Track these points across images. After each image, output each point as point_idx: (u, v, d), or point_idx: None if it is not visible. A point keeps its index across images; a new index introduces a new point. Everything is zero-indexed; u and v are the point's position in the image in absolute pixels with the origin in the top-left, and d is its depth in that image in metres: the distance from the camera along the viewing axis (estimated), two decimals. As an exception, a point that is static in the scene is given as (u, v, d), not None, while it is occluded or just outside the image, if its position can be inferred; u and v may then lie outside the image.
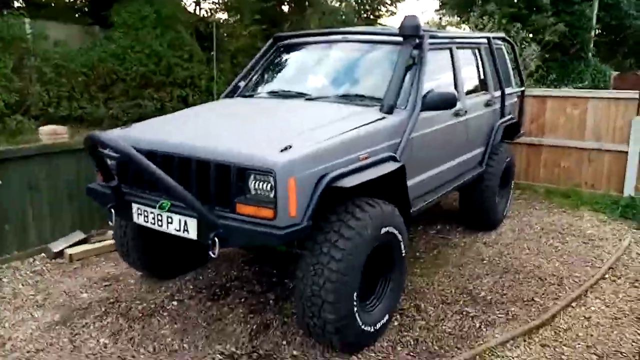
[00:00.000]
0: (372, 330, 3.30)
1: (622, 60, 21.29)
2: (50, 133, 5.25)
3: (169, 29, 11.30)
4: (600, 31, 18.57)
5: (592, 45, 17.01)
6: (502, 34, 6.85)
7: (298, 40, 4.84)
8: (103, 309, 3.84)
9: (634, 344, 3.45)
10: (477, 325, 3.67)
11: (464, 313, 3.83)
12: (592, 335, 3.55)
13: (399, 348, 3.38)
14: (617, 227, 5.74)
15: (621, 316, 3.81)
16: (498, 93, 5.48)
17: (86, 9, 14.18)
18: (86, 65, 10.05)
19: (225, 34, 13.11)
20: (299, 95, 4.20)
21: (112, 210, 3.45)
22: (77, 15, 14.13)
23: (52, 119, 9.49)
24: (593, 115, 6.68)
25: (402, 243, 3.47)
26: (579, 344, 3.46)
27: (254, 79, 4.77)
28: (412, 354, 3.33)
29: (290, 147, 2.91)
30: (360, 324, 3.16)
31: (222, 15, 14.59)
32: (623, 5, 17.56)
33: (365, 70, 4.36)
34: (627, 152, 6.44)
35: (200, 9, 14.00)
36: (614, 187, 6.63)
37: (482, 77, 5.35)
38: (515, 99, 6.28)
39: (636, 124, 6.33)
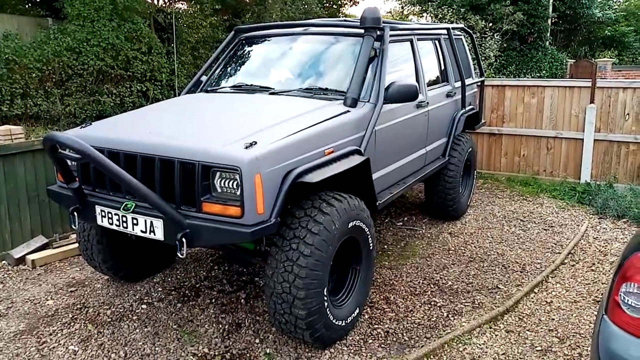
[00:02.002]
0: (344, 324, 3.34)
1: (577, 48, 21.95)
2: (5, 133, 5.05)
3: (126, 21, 10.97)
4: (556, 20, 19.05)
5: (548, 33, 17.44)
6: (461, 25, 6.96)
7: (260, 33, 4.79)
8: (70, 316, 3.75)
9: (591, 325, 3.59)
10: (445, 314, 3.76)
11: (432, 303, 3.91)
12: (553, 319, 3.69)
13: (370, 341, 3.43)
14: (575, 212, 5.95)
15: (580, 299, 3.97)
16: (458, 84, 5.57)
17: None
18: (40, 60, 9.64)
19: (185, 25, 12.82)
20: (263, 89, 4.17)
21: (75, 213, 3.35)
22: (27, 6, 13.56)
23: (6, 117, 9.14)
24: (550, 103, 6.88)
25: (369, 236, 3.51)
26: (541, 328, 3.58)
27: (216, 73, 4.70)
28: (383, 345, 3.38)
29: (255, 143, 2.89)
30: (332, 319, 3.19)
31: (182, 5, 14.25)
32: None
33: (328, 63, 4.36)
34: (582, 140, 6.66)
35: (158, -1, 13.63)
36: (571, 174, 6.86)
37: (442, 68, 5.43)
38: (476, 89, 6.41)
39: (590, 111, 6.55)
